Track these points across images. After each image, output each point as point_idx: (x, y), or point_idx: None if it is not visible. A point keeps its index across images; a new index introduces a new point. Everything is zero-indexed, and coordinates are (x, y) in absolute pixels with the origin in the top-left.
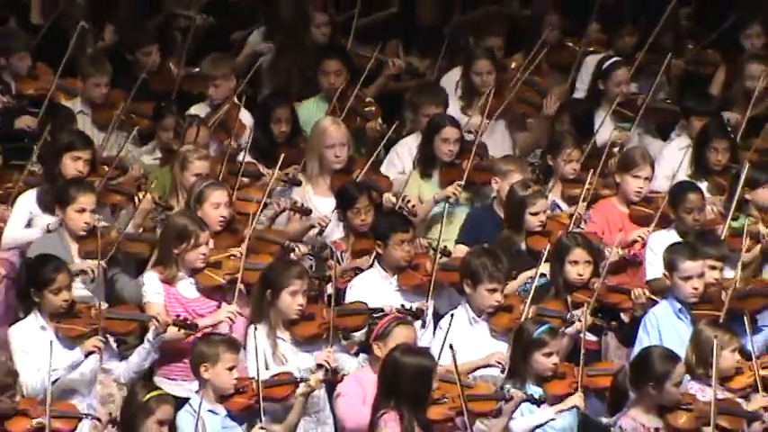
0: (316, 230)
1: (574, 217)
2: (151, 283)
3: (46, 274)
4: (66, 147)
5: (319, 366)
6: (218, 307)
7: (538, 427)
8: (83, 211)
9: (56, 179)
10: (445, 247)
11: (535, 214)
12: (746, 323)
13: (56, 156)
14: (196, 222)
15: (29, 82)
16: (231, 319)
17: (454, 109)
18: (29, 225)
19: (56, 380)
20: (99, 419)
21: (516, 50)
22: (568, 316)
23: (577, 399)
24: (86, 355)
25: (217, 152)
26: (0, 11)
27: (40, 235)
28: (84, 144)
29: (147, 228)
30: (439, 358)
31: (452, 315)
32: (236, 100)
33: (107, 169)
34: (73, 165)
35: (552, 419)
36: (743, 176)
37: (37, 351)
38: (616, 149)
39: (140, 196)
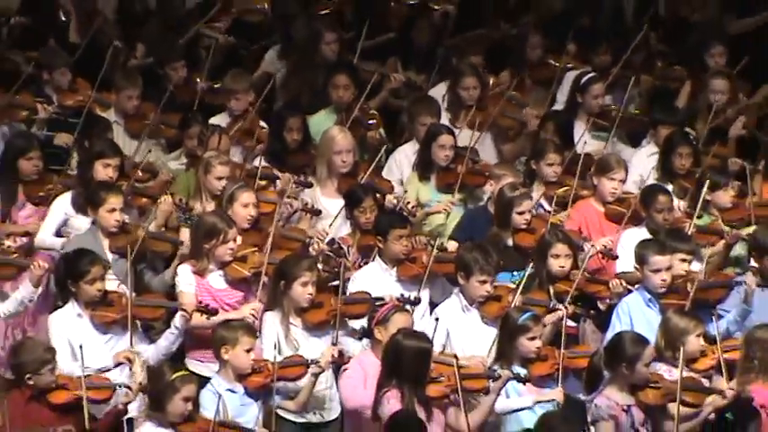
0: (313, 242)
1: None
2: (184, 274)
3: (82, 267)
4: (97, 154)
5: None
6: (244, 297)
7: (517, 410)
8: (113, 210)
9: (88, 183)
10: (442, 243)
11: (521, 213)
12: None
13: (89, 162)
14: (224, 220)
15: (69, 95)
16: (254, 316)
17: (442, 121)
18: (64, 225)
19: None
20: (130, 388)
21: (501, 68)
22: (551, 305)
23: (557, 393)
24: (115, 366)
25: (237, 157)
26: (41, 31)
27: (59, 246)
28: (113, 152)
29: (171, 227)
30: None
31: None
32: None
33: (140, 174)
34: (103, 171)
35: (529, 407)
36: (707, 181)
37: (74, 336)
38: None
39: (162, 199)
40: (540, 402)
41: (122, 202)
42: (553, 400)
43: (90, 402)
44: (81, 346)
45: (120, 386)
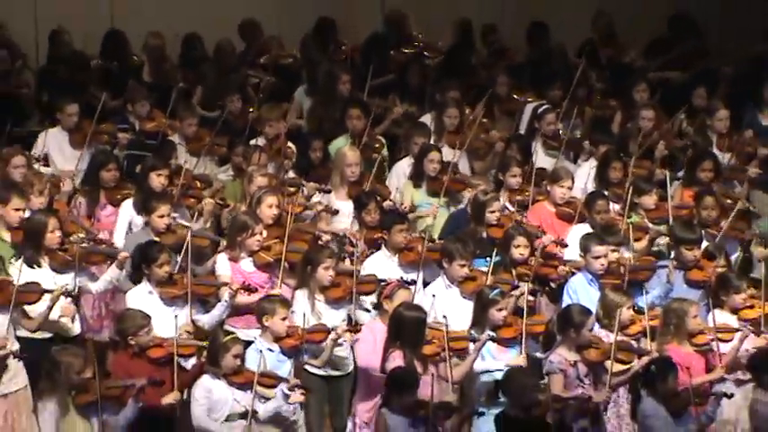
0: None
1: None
2: (222, 261)
3: (153, 254)
4: (151, 167)
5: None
6: (269, 278)
7: (489, 371)
8: (161, 216)
9: (146, 190)
10: (431, 236)
11: (492, 212)
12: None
13: (145, 173)
14: (253, 218)
15: (147, 122)
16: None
17: (431, 142)
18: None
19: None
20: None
21: (476, 102)
22: (514, 283)
23: (521, 360)
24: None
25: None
26: (120, 72)
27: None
28: (163, 164)
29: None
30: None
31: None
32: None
33: (198, 183)
34: (157, 179)
35: (500, 370)
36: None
37: (146, 308)
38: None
39: (205, 201)
40: (508, 366)
41: (170, 208)
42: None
43: (179, 357)
44: (176, 316)
45: (203, 346)
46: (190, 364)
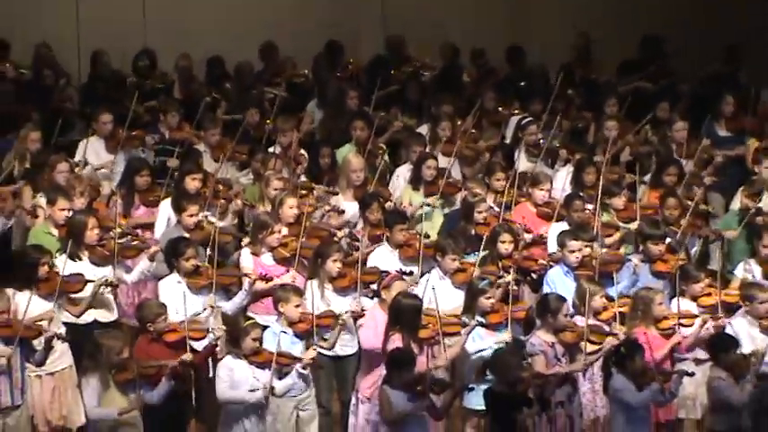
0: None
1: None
2: (246, 255)
3: (182, 249)
4: (187, 171)
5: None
6: (286, 270)
7: (481, 350)
8: (191, 215)
9: (182, 191)
10: (427, 233)
11: (480, 212)
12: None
13: (181, 177)
14: (272, 218)
15: (177, 132)
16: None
17: (427, 150)
18: (168, 220)
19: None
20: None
21: (466, 114)
22: (500, 274)
23: (506, 335)
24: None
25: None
26: (152, 88)
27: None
28: (197, 169)
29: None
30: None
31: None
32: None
33: (221, 186)
34: (192, 182)
35: (490, 347)
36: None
37: (174, 297)
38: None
39: (233, 202)
40: (497, 342)
41: (199, 208)
42: (504, 341)
43: (191, 340)
44: (185, 302)
45: (211, 330)
46: (201, 345)
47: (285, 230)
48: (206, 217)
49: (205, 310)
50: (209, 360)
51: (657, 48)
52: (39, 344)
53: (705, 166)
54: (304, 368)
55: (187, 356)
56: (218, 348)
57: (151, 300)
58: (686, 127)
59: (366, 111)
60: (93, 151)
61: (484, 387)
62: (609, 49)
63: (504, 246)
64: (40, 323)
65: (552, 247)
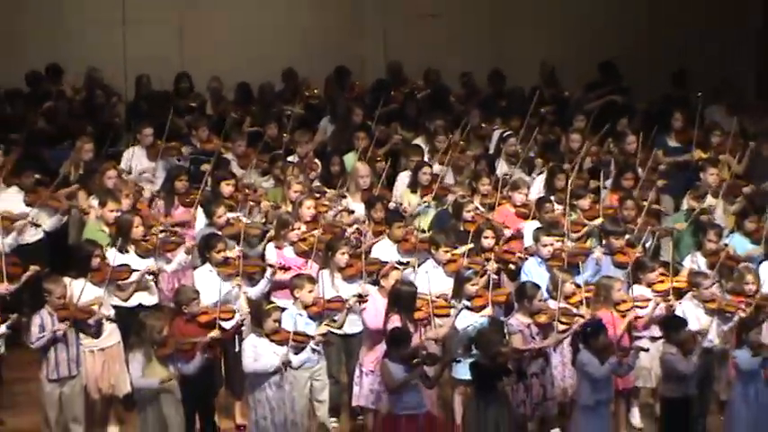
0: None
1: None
2: (270, 249)
3: (212, 243)
4: (222, 177)
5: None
6: (305, 262)
7: (468, 326)
8: (219, 216)
9: (216, 195)
10: (423, 229)
11: (468, 212)
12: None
13: (216, 182)
14: (293, 217)
15: (206, 143)
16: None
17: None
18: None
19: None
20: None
21: (455, 128)
22: (484, 264)
23: (489, 310)
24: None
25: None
26: (188, 108)
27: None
28: (230, 176)
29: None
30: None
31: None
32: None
33: (246, 190)
34: (226, 187)
35: (476, 322)
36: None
37: (208, 284)
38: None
39: (263, 203)
40: (483, 317)
41: (226, 210)
42: (489, 316)
43: (220, 320)
44: (220, 289)
45: (237, 312)
46: (229, 325)
47: (303, 227)
48: (237, 217)
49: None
50: (236, 337)
51: (613, 71)
52: (92, 324)
53: (655, 172)
54: (317, 345)
55: (215, 333)
56: (243, 328)
57: (187, 286)
58: (636, 140)
59: (367, 124)
60: (136, 159)
61: (470, 360)
62: (574, 71)
63: (488, 240)
64: (92, 306)
65: (528, 241)
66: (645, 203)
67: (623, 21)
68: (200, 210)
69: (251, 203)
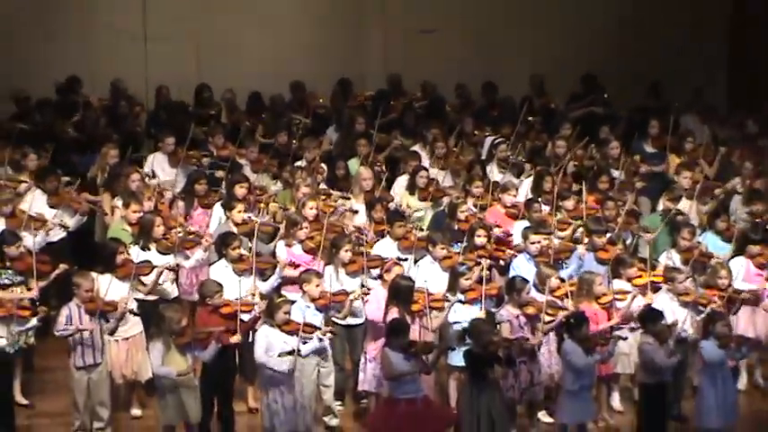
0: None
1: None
2: (280, 246)
3: (228, 240)
4: (236, 180)
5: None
6: (312, 258)
7: (458, 322)
8: (240, 211)
9: (231, 197)
10: (421, 228)
11: (462, 212)
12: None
13: (231, 185)
14: (300, 217)
15: (222, 149)
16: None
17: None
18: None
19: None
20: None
21: (450, 135)
22: (477, 260)
23: (480, 313)
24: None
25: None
26: (205, 116)
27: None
28: (244, 179)
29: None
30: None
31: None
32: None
33: (258, 192)
34: (239, 190)
35: (466, 316)
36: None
37: (224, 278)
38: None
39: (271, 205)
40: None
41: (243, 209)
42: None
43: (240, 313)
44: (240, 282)
45: (255, 305)
46: (247, 317)
47: (306, 225)
48: (249, 217)
49: (246, 297)
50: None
51: (594, 83)
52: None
53: (634, 175)
54: (323, 335)
55: (236, 339)
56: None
57: (210, 279)
58: (618, 146)
59: (369, 131)
60: (158, 165)
61: (464, 349)
62: (559, 83)
63: (480, 239)
64: (116, 300)
65: (517, 239)
66: (623, 204)
67: (603, 37)
68: (216, 210)
69: (262, 205)
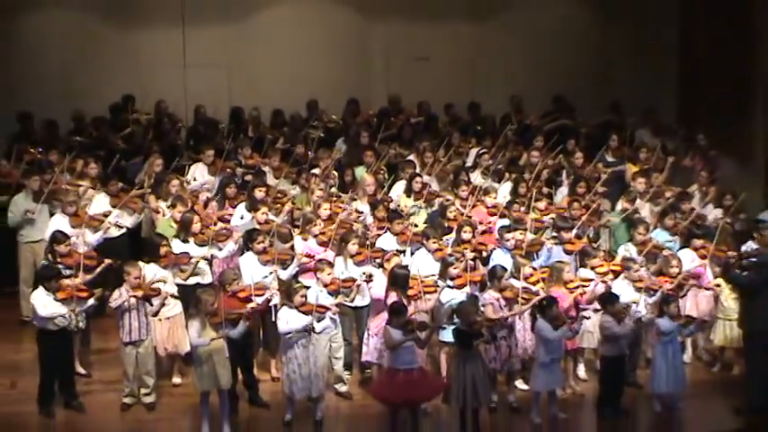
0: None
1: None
2: (298, 240)
3: (253, 236)
4: (256, 185)
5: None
6: (325, 250)
7: (449, 301)
8: (263, 213)
9: (253, 199)
10: (417, 225)
11: (450, 212)
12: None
13: (252, 189)
14: (314, 215)
15: (249, 159)
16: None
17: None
18: (242, 218)
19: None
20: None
21: (439, 146)
22: (464, 253)
23: (468, 289)
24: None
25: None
26: (236, 130)
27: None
28: (264, 184)
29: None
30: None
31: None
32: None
33: (278, 195)
34: (259, 193)
35: (454, 299)
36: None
37: (250, 267)
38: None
39: (287, 206)
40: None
41: (266, 211)
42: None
43: (255, 296)
44: (252, 272)
45: (267, 289)
46: (260, 300)
47: (322, 224)
48: (266, 215)
49: (271, 274)
50: (272, 309)
51: (563, 102)
52: (157, 299)
53: (596, 181)
54: (334, 314)
55: (253, 305)
56: (272, 302)
57: (229, 269)
58: (582, 156)
59: (374, 145)
60: (198, 173)
61: (452, 327)
62: (534, 104)
63: (466, 234)
64: (158, 285)
65: (497, 235)
66: (593, 204)
67: (572, 65)
68: (238, 209)
69: (278, 206)
